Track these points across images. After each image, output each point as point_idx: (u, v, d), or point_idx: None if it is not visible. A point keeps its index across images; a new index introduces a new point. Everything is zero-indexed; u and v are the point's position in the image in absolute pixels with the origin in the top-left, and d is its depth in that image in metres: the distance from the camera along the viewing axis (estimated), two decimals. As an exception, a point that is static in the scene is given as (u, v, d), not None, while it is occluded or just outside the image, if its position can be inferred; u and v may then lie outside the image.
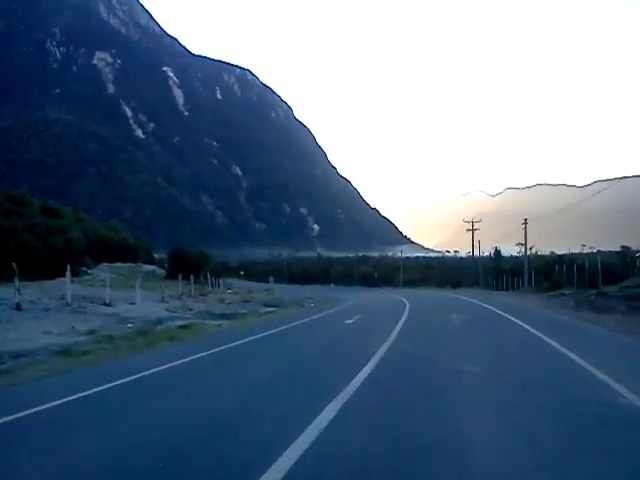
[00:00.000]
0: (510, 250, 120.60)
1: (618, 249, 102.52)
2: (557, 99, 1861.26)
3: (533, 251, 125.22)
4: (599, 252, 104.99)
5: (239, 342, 13.69)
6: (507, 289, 58.45)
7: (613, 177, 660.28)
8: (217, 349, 12.36)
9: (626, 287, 24.06)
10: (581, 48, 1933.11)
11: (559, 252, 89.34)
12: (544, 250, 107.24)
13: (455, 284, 76.33)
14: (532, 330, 14.85)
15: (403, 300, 36.79)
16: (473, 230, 77.05)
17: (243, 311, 28.45)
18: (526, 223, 55.90)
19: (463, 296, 42.59)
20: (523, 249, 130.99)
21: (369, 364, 9.37)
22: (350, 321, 19.94)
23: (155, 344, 13.94)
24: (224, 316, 25.25)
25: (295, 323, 19.56)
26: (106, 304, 26.61)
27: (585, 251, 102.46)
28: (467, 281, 78.51)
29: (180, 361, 10.49)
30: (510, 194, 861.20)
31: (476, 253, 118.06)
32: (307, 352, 11.80)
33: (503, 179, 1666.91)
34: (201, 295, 41.42)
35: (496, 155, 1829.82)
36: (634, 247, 51.41)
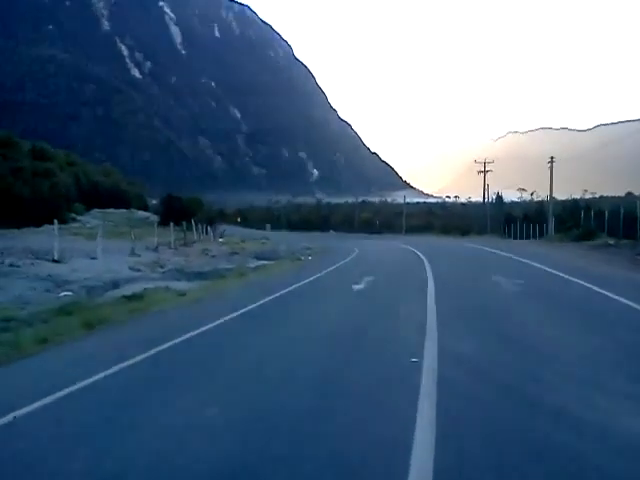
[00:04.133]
0: (510, 196, 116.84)
1: (622, 194, 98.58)
2: (559, 43, 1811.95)
3: (534, 197, 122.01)
4: (601, 197, 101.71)
5: (186, 336, 8.40)
6: (524, 237, 53.51)
7: (615, 121, 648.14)
8: (143, 355, 7.13)
9: None
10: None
11: (560, 197, 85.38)
12: (543, 195, 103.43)
13: (463, 232, 71.35)
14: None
15: (415, 252, 31.65)
16: (485, 172, 71.14)
17: (227, 266, 23.35)
18: (552, 162, 50.14)
19: (484, 246, 37.23)
20: (524, 195, 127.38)
21: (419, 440, 4.17)
22: (359, 287, 14.68)
23: (61, 336, 8.72)
24: (199, 275, 20.11)
25: (283, 291, 14.18)
26: (54, 260, 21.46)
27: (587, 196, 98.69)
28: (474, 228, 73.78)
29: (39, 402, 5.28)
30: (512, 138, 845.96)
31: (479, 199, 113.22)
32: (284, 379, 6.13)
33: (505, 123, 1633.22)
34: (183, 246, 36.28)
35: (497, 98, 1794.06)
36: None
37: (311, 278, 17.96)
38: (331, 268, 22.26)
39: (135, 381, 6.20)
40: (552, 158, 50.55)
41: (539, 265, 20.17)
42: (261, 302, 12.17)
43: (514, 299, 12.23)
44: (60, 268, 19.61)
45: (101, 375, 6.23)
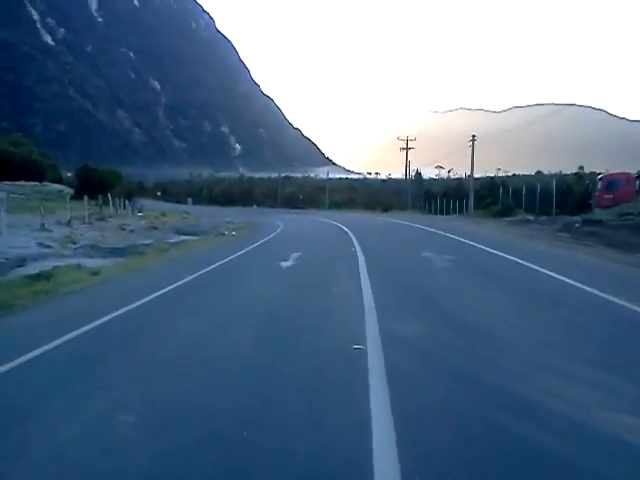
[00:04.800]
0: (428, 173, 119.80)
1: (532, 173, 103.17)
2: (477, 28, 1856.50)
3: (451, 175, 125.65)
4: (514, 175, 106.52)
5: (95, 324, 7.34)
6: (445, 213, 54.52)
7: (528, 104, 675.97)
8: (43, 348, 6.11)
9: (626, 215, 19.24)
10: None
11: (475, 175, 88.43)
12: (460, 173, 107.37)
13: (386, 207, 72.16)
14: (600, 293, 8.98)
15: (341, 227, 31.37)
16: (407, 149, 71.83)
17: (145, 242, 21.98)
18: (474, 140, 50.93)
19: (406, 222, 37.39)
20: (442, 172, 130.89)
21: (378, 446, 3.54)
22: (288, 264, 13.97)
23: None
24: (115, 252, 18.77)
25: (207, 269, 13.27)
26: (-51, 237, 19.60)
27: (500, 174, 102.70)
28: (395, 204, 74.77)
29: None
30: (430, 117, 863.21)
31: (398, 176, 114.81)
32: (207, 376, 5.24)
33: (425, 102, 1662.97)
34: (99, 220, 34.36)
35: (418, 78, 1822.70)
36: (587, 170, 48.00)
37: (236, 254, 17.08)
38: (256, 244, 21.44)
39: (30, 382, 5.20)
40: (474, 136, 51.43)
41: (466, 240, 20.11)
42: (182, 282, 11.21)
43: (447, 275, 11.86)
44: (-43, 245, 17.85)
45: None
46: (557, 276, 11.01)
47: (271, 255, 16.83)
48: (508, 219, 33.27)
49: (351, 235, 24.14)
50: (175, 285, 10.75)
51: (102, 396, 4.69)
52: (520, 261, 13.52)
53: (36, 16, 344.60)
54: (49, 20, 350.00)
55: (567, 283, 10.29)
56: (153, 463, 3.46)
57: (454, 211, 52.66)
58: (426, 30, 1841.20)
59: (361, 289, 9.65)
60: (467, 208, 49.25)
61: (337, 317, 7.68)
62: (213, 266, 13.87)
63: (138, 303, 8.87)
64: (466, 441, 3.68)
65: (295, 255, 15.65)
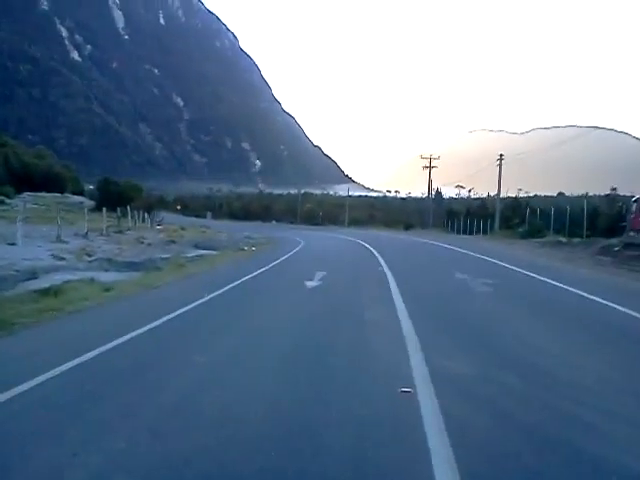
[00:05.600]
0: (448, 192, 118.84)
1: (554, 194, 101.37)
2: (498, 49, 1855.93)
3: (471, 194, 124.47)
4: (535, 196, 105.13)
5: (99, 350, 6.37)
6: (468, 232, 53.25)
7: (551, 126, 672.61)
8: (31, 383, 5.17)
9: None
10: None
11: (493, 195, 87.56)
12: (481, 193, 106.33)
13: (407, 225, 71.23)
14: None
15: (364, 244, 30.41)
16: (431, 167, 70.64)
17: (163, 256, 21.16)
18: (501, 159, 49.84)
19: (431, 240, 36.28)
20: (461, 192, 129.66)
21: None
22: (314, 284, 12.98)
23: None
24: (131, 266, 17.96)
25: (226, 288, 12.26)
26: (-38, 247, 18.96)
27: (521, 195, 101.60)
28: (416, 222, 73.88)
29: None
30: (450, 137, 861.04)
31: (417, 194, 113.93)
32: (224, 427, 4.14)
33: (443, 123, 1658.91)
34: (117, 233, 33.74)
35: (437, 99, 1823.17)
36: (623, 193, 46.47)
37: (257, 272, 16.12)
38: (278, 261, 20.50)
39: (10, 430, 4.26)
40: (501, 155, 50.28)
41: (500, 262, 18.98)
42: (199, 302, 10.27)
43: (490, 302, 10.79)
44: (-32, 256, 17.13)
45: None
46: (612, 305, 9.89)
47: (294, 273, 15.87)
48: (538, 240, 32.03)
49: (376, 254, 23.12)
50: (190, 307, 9.77)
51: (93, 452, 3.72)
52: (567, 287, 12.40)
53: (65, 33, 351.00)
54: (77, 37, 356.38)
55: (626, 314, 9.19)
56: None
57: (477, 231, 51.42)
58: (448, 50, 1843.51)
59: (397, 316, 8.64)
60: (492, 228, 47.99)
61: (376, 349, 6.67)
62: (232, 285, 12.92)
63: (146, 328, 7.87)
64: None
65: (320, 274, 14.65)
